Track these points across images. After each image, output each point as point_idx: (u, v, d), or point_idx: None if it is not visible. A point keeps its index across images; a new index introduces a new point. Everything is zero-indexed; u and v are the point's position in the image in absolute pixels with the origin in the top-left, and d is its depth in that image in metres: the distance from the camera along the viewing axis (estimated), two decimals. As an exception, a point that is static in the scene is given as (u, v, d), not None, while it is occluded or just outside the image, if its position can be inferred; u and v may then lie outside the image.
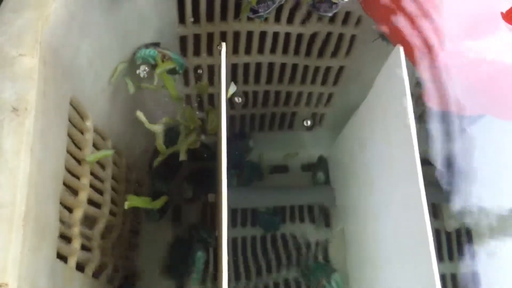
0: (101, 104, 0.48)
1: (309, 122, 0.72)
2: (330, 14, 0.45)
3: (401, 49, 0.43)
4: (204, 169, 0.75)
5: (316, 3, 0.44)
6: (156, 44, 0.49)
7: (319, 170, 0.73)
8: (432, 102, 0.47)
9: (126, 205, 0.50)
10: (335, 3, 0.44)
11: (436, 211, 0.73)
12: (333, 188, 0.70)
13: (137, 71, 0.48)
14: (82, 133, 0.45)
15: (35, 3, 0.37)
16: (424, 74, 0.46)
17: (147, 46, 0.48)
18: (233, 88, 0.50)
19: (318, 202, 0.72)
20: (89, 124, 0.46)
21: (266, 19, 0.50)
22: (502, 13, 0.41)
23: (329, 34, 0.54)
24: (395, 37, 0.44)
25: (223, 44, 0.42)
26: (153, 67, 0.49)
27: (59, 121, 0.39)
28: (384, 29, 0.45)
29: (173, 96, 0.53)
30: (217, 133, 0.54)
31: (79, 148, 0.45)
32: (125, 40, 0.47)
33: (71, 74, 0.41)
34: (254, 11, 0.44)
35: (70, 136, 0.42)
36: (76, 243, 0.43)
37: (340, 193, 0.69)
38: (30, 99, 0.34)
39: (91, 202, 0.47)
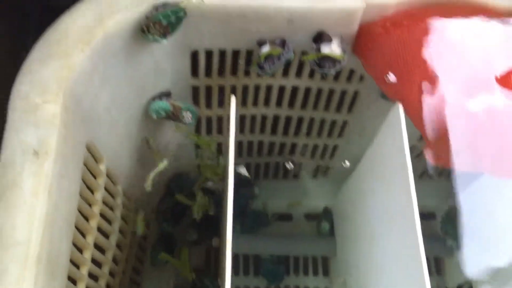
0: (114, 148, 0.51)
1: (292, 165, 0.73)
2: (333, 72, 0.47)
3: (400, 106, 0.45)
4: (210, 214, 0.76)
5: (320, 61, 0.47)
6: (168, 94, 0.52)
7: (324, 220, 0.74)
8: (433, 158, 0.49)
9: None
10: (338, 61, 0.47)
11: (438, 266, 0.73)
12: (336, 240, 0.71)
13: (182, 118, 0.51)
14: (95, 177, 0.47)
15: (61, 53, 0.40)
16: (423, 130, 0.48)
17: (160, 97, 0.51)
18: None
19: (321, 253, 0.73)
20: (102, 167, 0.48)
21: (273, 74, 0.53)
22: (496, 78, 0.44)
23: (332, 90, 0.56)
24: (393, 96, 0.47)
25: (233, 98, 0.45)
26: (168, 117, 0.51)
27: (75, 164, 0.41)
28: (383, 87, 0.48)
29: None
30: (224, 180, 0.56)
31: (91, 191, 0.47)
32: (141, 89, 0.50)
33: (89, 120, 0.44)
34: (260, 67, 0.47)
35: (83, 179, 0.44)
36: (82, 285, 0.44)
37: (343, 245, 0.70)
38: (51, 144, 0.36)
39: (96, 245, 0.48)
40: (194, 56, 0.50)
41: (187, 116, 0.52)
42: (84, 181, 0.44)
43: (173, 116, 0.52)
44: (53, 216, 0.36)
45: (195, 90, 0.55)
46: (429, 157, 0.49)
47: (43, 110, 0.38)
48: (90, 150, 0.45)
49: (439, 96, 0.45)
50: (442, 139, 0.47)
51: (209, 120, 0.61)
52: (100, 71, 0.43)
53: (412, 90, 0.45)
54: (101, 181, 0.48)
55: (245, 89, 0.56)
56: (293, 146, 0.68)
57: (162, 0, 0.43)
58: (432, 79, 0.44)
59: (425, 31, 0.45)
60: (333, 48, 0.47)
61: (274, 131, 0.64)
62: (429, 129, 0.48)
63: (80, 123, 0.42)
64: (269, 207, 0.77)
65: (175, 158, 0.65)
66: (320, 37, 0.47)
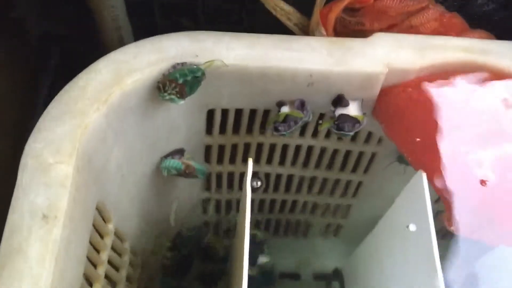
0: (124, 206, 0.49)
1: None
2: (352, 133, 0.46)
3: (424, 175, 0.44)
4: (216, 270, 0.74)
5: (339, 124, 0.46)
6: (181, 151, 0.51)
7: (334, 280, 0.71)
8: (453, 226, 0.47)
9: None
10: (358, 122, 0.46)
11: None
12: (347, 302, 0.68)
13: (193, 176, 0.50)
14: (102, 236, 0.45)
15: (77, 111, 0.39)
16: (443, 196, 0.46)
17: (172, 154, 0.50)
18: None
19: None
20: (111, 227, 0.46)
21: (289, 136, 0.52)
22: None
23: (349, 151, 0.55)
24: (414, 161, 0.45)
25: (250, 161, 0.43)
26: (179, 175, 0.50)
27: (84, 227, 0.39)
28: (404, 151, 0.46)
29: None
30: (238, 237, 0.54)
31: (97, 251, 0.45)
32: (154, 146, 0.49)
33: (100, 179, 0.42)
34: (276, 129, 0.46)
35: (90, 240, 0.42)
36: None
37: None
38: (61, 207, 0.35)
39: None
40: (210, 113, 0.49)
41: (198, 175, 0.51)
42: (91, 242, 0.42)
43: (184, 174, 0.51)
44: (58, 284, 0.34)
45: (208, 147, 0.54)
46: (448, 224, 0.48)
47: (55, 171, 0.36)
48: (99, 209, 0.43)
49: (459, 163, 0.44)
50: (462, 206, 0.46)
51: (219, 176, 0.60)
52: (114, 128, 0.42)
53: (433, 157, 0.43)
54: (109, 240, 0.46)
55: (260, 147, 0.55)
56: (305, 203, 0.66)
57: (182, 59, 0.42)
58: (454, 146, 0.43)
59: (447, 97, 0.45)
60: (352, 111, 0.46)
61: (288, 189, 0.62)
62: (449, 195, 0.46)
63: (91, 183, 0.40)
64: (277, 265, 0.74)
65: (182, 213, 0.64)
66: (339, 100, 0.46)
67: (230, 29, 0.45)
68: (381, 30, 0.48)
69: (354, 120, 0.46)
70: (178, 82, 0.41)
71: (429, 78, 0.45)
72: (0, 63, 0.58)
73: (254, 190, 0.63)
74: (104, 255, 0.45)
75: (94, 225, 0.42)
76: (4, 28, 0.60)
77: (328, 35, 0.48)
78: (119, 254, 0.50)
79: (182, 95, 0.42)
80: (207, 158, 0.56)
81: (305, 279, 0.75)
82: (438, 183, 0.45)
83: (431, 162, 0.44)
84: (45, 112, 0.39)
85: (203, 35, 0.44)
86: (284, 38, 0.45)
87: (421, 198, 0.44)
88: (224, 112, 0.49)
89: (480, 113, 0.45)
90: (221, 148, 0.55)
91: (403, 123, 0.45)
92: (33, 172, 0.36)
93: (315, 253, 0.76)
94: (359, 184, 0.61)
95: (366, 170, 0.58)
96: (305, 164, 0.58)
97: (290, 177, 0.60)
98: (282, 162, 0.57)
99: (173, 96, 0.42)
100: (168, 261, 0.68)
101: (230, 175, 0.60)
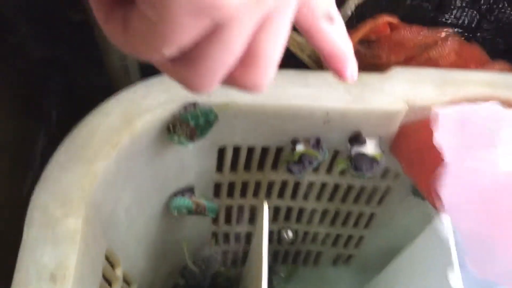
0: (132, 248, 0.47)
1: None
2: (369, 175, 0.44)
3: (449, 219, 0.42)
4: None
5: (356, 164, 0.44)
6: (191, 189, 0.49)
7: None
8: (476, 268, 0.45)
9: None
10: (376, 161, 0.44)
11: None
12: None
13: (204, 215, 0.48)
14: (109, 283, 0.43)
15: (85, 158, 0.37)
16: (468, 242, 0.44)
17: (182, 193, 0.48)
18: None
19: None
20: (119, 273, 0.44)
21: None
22: None
23: (364, 187, 0.53)
24: (434, 200, 0.44)
25: (265, 205, 0.41)
26: (189, 212, 0.48)
27: (93, 280, 0.37)
28: (424, 190, 0.44)
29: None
30: (256, 275, 0.52)
31: (105, 299, 0.43)
32: (164, 185, 0.47)
33: (109, 226, 0.40)
34: (290, 170, 0.44)
35: (99, 289, 0.40)
36: None
37: None
38: (69, 265, 0.33)
39: None
40: (221, 150, 0.47)
41: (208, 213, 0.49)
42: (99, 291, 0.40)
43: (195, 213, 0.49)
44: None
45: (218, 184, 0.52)
46: (471, 266, 0.46)
47: (62, 226, 0.34)
48: (107, 255, 0.41)
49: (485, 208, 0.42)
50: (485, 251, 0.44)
51: (229, 209, 0.58)
52: (123, 173, 0.40)
53: (458, 200, 0.42)
54: (117, 287, 0.44)
55: (271, 183, 0.53)
56: (316, 234, 0.64)
57: (193, 99, 0.40)
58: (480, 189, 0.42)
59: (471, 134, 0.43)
60: (369, 149, 0.44)
61: (298, 220, 0.60)
62: (469, 237, 0.44)
63: (100, 233, 0.38)
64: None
65: (190, 245, 0.62)
66: (356, 138, 0.44)
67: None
68: (398, 62, 0.46)
69: (371, 160, 0.44)
70: (190, 125, 0.39)
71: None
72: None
73: (282, 241, 0.62)
74: (112, 303, 0.43)
75: (102, 273, 0.40)
76: (2, 54, 0.58)
77: (343, 68, 0.46)
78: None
79: (192, 138, 0.40)
80: (216, 193, 0.54)
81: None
82: (461, 227, 0.43)
83: (456, 205, 0.42)
84: (52, 159, 0.37)
85: (215, 73, 0.42)
86: (300, 74, 0.43)
87: (445, 243, 0.42)
88: (235, 149, 0.47)
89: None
90: (232, 186, 0.53)
91: (424, 163, 0.43)
92: (39, 228, 0.34)
93: (325, 281, 0.74)
94: (372, 215, 0.59)
95: (379, 202, 0.56)
96: (318, 197, 0.56)
97: (301, 210, 0.58)
98: (293, 196, 0.55)
99: (183, 139, 0.40)
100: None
101: (240, 208, 0.58)
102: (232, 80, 0.21)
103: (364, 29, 0.46)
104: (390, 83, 0.43)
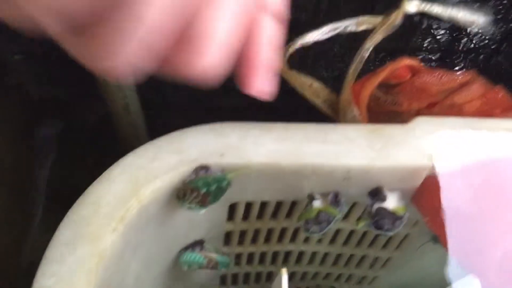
0: (139, 311, 0.44)
1: None
2: (392, 233, 0.42)
3: (478, 281, 0.39)
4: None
5: (378, 221, 0.41)
6: (200, 242, 0.46)
7: None
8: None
9: None
10: (399, 218, 0.42)
11: None
12: None
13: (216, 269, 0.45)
14: None
15: (89, 235, 0.34)
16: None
17: (192, 247, 0.45)
18: None
19: None
20: None
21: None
22: None
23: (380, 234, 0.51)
24: (465, 264, 0.41)
25: (284, 272, 0.39)
26: (200, 267, 0.45)
27: None
28: (452, 253, 0.42)
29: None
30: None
31: None
32: (172, 243, 0.44)
33: (117, 300, 0.37)
34: (307, 229, 0.41)
35: None
36: None
37: None
38: None
39: None
40: (232, 205, 0.44)
41: (220, 268, 0.46)
42: None
43: (207, 267, 0.46)
44: None
45: (228, 233, 0.49)
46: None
47: (69, 315, 0.31)
48: (115, 327, 0.39)
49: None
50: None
51: (238, 255, 0.55)
52: (132, 244, 0.37)
53: (488, 262, 0.39)
54: None
55: (284, 229, 0.50)
56: (329, 274, 0.61)
57: (205, 160, 0.37)
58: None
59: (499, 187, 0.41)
60: (391, 203, 0.42)
61: (311, 262, 0.58)
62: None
63: (108, 311, 0.35)
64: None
65: None
66: (377, 193, 0.41)
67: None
68: (420, 109, 0.44)
69: (393, 217, 0.41)
70: (201, 192, 0.36)
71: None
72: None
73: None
74: None
75: None
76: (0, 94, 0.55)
77: (361, 115, 0.44)
78: None
79: (204, 204, 0.37)
80: (226, 241, 0.51)
81: None
82: (490, 285, 0.41)
83: (484, 267, 0.40)
84: (54, 238, 0.34)
85: (228, 129, 0.39)
86: (319, 128, 0.40)
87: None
88: (248, 204, 0.45)
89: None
90: (243, 233, 0.50)
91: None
92: (43, 319, 0.31)
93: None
94: (388, 259, 0.56)
95: (397, 248, 0.54)
96: (332, 241, 0.53)
97: (314, 253, 0.56)
98: (306, 240, 0.53)
99: (193, 206, 0.37)
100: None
101: (250, 255, 0.55)
102: (172, 66, 0.18)
103: (383, 73, 0.43)
104: (414, 136, 0.40)
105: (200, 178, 0.36)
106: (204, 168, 0.37)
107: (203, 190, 0.36)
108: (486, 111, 0.44)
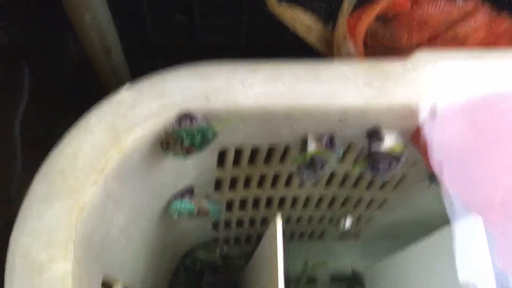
0: (130, 262, 0.43)
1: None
2: (387, 177, 0.40)
3: (481, 221, 0.38)
4: (225, 282, 0.70)
5: (373, 165, 0.39)
6: (190, 190, 0.44)
7: (354, 285, 0.68)
8: (502, 265, 0.42)
9: None
10: (396, 158, 0.40)
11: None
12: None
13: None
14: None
15: (67, 189, 0.31)
16: (496, 235, 0.41)
17: (182, 195, 0.43)
18: None
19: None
20: (118, 291, 0.40)
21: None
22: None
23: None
24: (467, 202, 0.40)
25: (279, 218, 0.37)
26: (190, 215, 0.44)
27: (91, 321, 0.33)
28: (454, 191, 0.40)
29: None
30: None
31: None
32: (160, 193, 0.42)
33: (103, 254, 0.36)
34: (300, 175, 0.39)
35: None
36: None
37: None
38: (62, 319, 0.29)
39: None
40: (222, 151, 0.42)
41: (212, 216, 0.45)
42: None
43: (197, 215, 0.44)
44: None
45: (219, 180, 0.47)
46: (498, 262, 0.43)
47: (50, 272, 0.29)
48: (104, 281, 0.37)
49: None
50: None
51: (231, 201, 0.53)
52: (115, 196, 0.35)
53: (491, 198, 0.38)
54: (117, 307, 0.41)
55: (277, 175, 0.48)
56: (323, 216, 0.60)
57: (190, 104, 0.34)
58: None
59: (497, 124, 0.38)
60: (388, 142, 0.40)
61: (305, 206, 0.56)
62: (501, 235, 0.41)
63: (94, 265, 0.34)
64: (291, 269, 0.70)
65: (193, 233, 0.58)
66: (374, 134, 0.39)
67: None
68: (421, 43, 0.40)
69: (390, 158, 0.39)
70: (185, 144, 0.33)
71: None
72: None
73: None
74: (114, 326, 0.40)
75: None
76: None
77: (357, 51, 0.40)
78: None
79: (189, 153, 0.35)
80: (217, 187, 0.49)
81: (321, 282, 0.71)
82: (492, 225, 0.39)
83: (486, 205, 0.38)
84: (29, 193, 0.31)
85: (213, 70, 0.36)
86: (310, 67, 0.37)
87: (477, 244, 0.39)
88: (238, 149, 0.42)
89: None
90: (234, 179, 0.48)
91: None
92: (23, 277, 0.29)
93: (331, 255, 0.71)
94: (385, 199, 0.55)
95: (394, 188, 0.52)
96: (328, 184, 0.51)
97: (308, 197, 0.54)
98: (301, 185, 0.51)
99: (179, 155, 0.34)
100: (177, 284, 0.63)
101: (243, 201, 0.54)
102: None
103: (381, 3, 0.39)
104: (415, 72, 0.38)
105: (183, 129, 0.33)
106: (188, 117, 0.34)
107: (187, 142, 0.33)
108: (491, 42, 0.40)
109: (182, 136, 0.33)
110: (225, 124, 0.34)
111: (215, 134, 0.34)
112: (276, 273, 0.37)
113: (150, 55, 0.58)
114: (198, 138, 0.33)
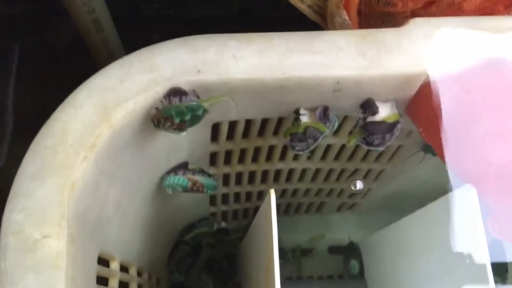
0: (126, 238, 0.43)
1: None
2: (382, 148, 0.40)
3: (475, 192, 0.38)
4: (223, 256, 0.70)
5: (367, 137, 0.39)
6: (184, 165, 0.44)
7: (352, 258, 0.68)
8: (498, 233, 0.42)
9: None
10: (390, 128, 0.39)
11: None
12: (366, 280, 0.65)
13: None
14: (107, 279, 0.40)
15: (57, 166, 0.31)
16: (491, 204, 0.41)
17: (175, 170, 0.43)
18: None
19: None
20: (115, 266, 0.41)
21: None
22: None
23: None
24: (461, 173, 0.39)
25: (272, 192, 0.37)
26: (185, 190, 0.44)
27: (87, 296, 0.33)
28: (448, 162, 0.40)
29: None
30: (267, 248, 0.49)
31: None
32: (154, 168, 0.42)
33: (98, 230, 0.36)
34: (292, 146, 0.39)
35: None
36: None
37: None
38: (58, 296, 0.29)
39: None
40: (216, 124, 0.42)
41: (207, 191, 0.45)
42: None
43: (191, 191, 0.44)
44: None
45: (213, 154, 0.47)
46: (493, 230, 0.43)
47: (44, 249, 0.29)
48: (101, 256, 0.37)
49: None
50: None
51: (226, 175, 0.53)
52: (107, 172, 0.34)
53: (485, 170, 0.37)
54: (115, 282, 0.41)
55: (272, 147, 0.48)
56: (320, 190, 0.60)
57: (181, 78, 0.34)
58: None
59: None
60: (383, 113, 0.39)
61: (301, 179, 0.56)
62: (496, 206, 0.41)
63: (88, 242, 0.34)
64: (289, 242, 0.71)
65: (189, 208, 0.58)
66: (368, 105, 0.39)
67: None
68: (416, 10, 0.39)
69: (385, 129, 0.39)
70: (175, 121, 0.33)
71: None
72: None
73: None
74: (112, 300, 0.40)
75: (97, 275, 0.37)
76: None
77: (351, 20, 0.39)
78: (126, 283, 0.45)
79: (181, 129, 0.34)
80: (212, 162, 0.49)
81: (320, 254, 0.72)
82: (486, 198, 0.39)
83: (481, 176, 0.38)
84: (19, 171, 0.31)
85: (203, 42, 0.35)
86: (302, 37, 0.36)
87: (470, 213, 0.39)
88: (232, 122, 0.42)
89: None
90: (229, 154, 0.48)
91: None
92: (17, 255, 0.29)
93: (329, 226, 0.72)
94: (381, 171, 0.55)
95: (390, 159, 0.52)
96: (323, 157, 0.51)
97: (304, 169, 0.54)
98: (296, 158, 0.51)
99: (170, 131, 0.34)
100: (175, 257, 0.64)
101: (238, 174, 0.53)
102: None
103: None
104: (409, 40, 0.37)
105: (172, 107, 0.33)
106: (178, 93, 0.33)
107: (177, 120, 0.33)
108: (487, 8, 0.40)
109: (172, 113, 0.32)
110: (215, 101, 0.34)
111: (205, 111, 0.34)
112: (272, 244, 0.37)
113: (143, 29, 0.57)
114: (188, 116, 0.33)
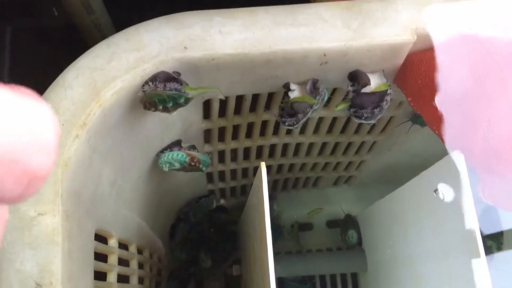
0: (123, 216, 0.44)
1: None
2: (373, 121, 0.40)
3: (462, 158, 0.38)
4: (222, 234, 0.71)
5: (357, 111, 0.39)
6: (178, 143, 0.45)
7: (350, 229, 0.69)
8: (488, 198, 0.43)
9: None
10: (379, 101, 0.39)
11: None
12: (364, 250, 0.66)
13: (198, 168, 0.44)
14: (106, 255, 0.41)
15: (51, 145, 0.32)
16: (480, 169, 0.41)
17: (170, 148, 0.44)
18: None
19: (350, 268, 0.68)
20: (113, 243, 0.41)
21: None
22: None
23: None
24: (449, 141, 0.40)
25: (263, 165, 0.37)
26: (182, 166, 0.44)
27: (85, 271, 0.34)
28: (436, 130, 0.40)
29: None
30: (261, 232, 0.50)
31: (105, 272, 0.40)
32: (148, 147, 0.42)
33: (94, 207, 0.36)
34: (283, 121, 0.39)
35: (95, 269, 0.37)
36: None
37: (373, 257, 0.65)
38: (55, 270, 0.30)
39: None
40: (207, 101, 0.42)
41: (202, 167, 0.45)
42: (96, 270, 0.38)
43: (188, 167, 0.45)
44: None
45: (207, 131, 0.48)
46: (483, 196, 0.44)
47: (40, 226, 0.30)
48: (98, 233, 0.38)
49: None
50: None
51: (221, 152, 0.54)
52: (100, 150, 0.35)
53: (474, 137, 0.38)
54: (114, 259, 0.42)
55: (265, 122, 0.48)
56: (316, 164, 0.61)
57: (168, 55, 0.34)
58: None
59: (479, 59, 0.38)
60: (372, 84, 0.39)
61: (296, 153, 0.57)
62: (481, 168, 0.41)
63: (85, 219, 0.35)
64: (288, 217, 0.72)
65: (187, 186, 0.59)
66: (356, 76, 0.39)
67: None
68: (402, -21, 0.39)
69: (374, 100, 0.39)
70: (158, 107, 0.34)
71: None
72: None
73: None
74: (112, 276, 0.41)
75: (95, 252, 0.38)
76: None
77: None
78: (127, 262, 0.46)
79: (168, 112, 0.35)
80: (207, 139, 0.50)
81: (318, 228, 0.73)
82: (475, 163, 0.40)
83: (469, 140, 0.39)
84: (13, 151, 0.32)
85: (189, 18, 0.36)
86: (287, 10, 0.36)
87: (458, 179, 0.40)
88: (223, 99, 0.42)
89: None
90: (222, 130, 0.49)
91: (432, 97, 0.38)
92: (14, 232, 0.30)
93: (326, 200, 0.73)
94: (374, 143, 0.55)
95: (382, 131, 0.52)
96: (316, 131, 0.52)
97: (298, 144, 0.55)
98: (289, 132, 0.51)
99: (160, 113, 0.35)
100: (177, 235, 0.65)
101: (234, 150, 0.54)
102: None
103: None
104: (394, 10, 0.37)
105: (155, 94, 0.33)
106: (163, 79, 0.33)
107: (160, 106, 0.34)
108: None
109: (155, 100, 0.33)
110: (203, 91, 0.34)
111: (187, 100, 0.34)
112: (264, 218, 0.37)
113: (136, 9, 0.57)
114: (169, 104, 0.33)
